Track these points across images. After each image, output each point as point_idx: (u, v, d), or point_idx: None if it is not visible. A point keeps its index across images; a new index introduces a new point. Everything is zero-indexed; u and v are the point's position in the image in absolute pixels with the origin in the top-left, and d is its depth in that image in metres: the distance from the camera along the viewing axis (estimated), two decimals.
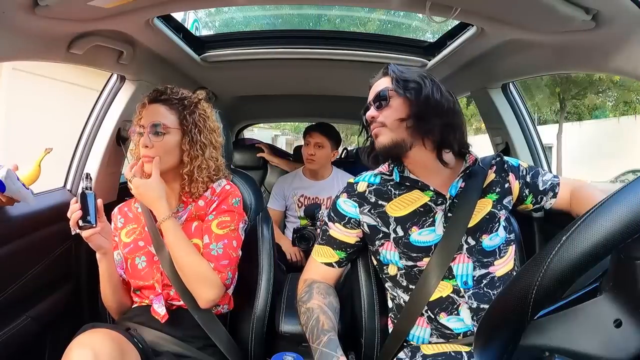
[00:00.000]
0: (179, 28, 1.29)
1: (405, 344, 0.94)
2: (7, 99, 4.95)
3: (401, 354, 0.90)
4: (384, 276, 1.00)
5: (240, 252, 1.02)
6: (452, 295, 0.89)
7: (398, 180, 0.96)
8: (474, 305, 0.88)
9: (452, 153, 0.96)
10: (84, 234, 0.90)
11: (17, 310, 1.10)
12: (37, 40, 0.93)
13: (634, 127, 12.79)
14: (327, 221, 1.03)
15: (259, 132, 12.45)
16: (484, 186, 0.95)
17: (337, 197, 1.02)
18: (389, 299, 1.01)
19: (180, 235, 0.95)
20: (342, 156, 2.55)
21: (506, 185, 0.99)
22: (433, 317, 0.90)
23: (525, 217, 1.26)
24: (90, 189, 0.92)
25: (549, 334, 0.42)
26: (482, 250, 0.91)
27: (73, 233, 0.92)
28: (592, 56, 0.99)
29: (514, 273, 0.94)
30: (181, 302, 0.99)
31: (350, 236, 1.00)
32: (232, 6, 1.12)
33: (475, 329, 0.86)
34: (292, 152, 2.77)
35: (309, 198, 2.01)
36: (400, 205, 0.95)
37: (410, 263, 0.92)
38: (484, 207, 0.94)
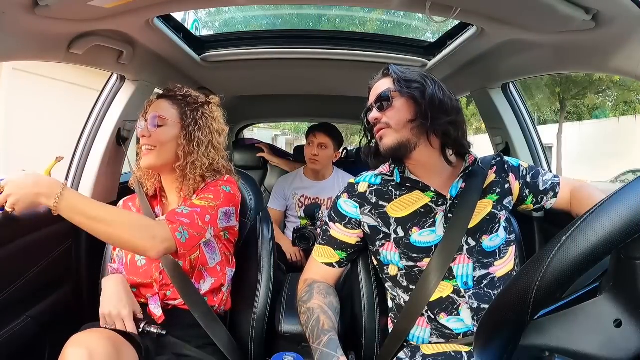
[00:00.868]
0: (179, 28, 1.29)
1: (405, 344, 0.94)
2: (7, 99, 4.95)
3: (401, 354, 0.91)
4: (384, 276, 1.00)
5: (208, 230, 0.93)
6: (452, 295, 0.89)
7: (399, 181, 0.96)
8: (475, 305, 0.88)
9: (453, 153, 0.96)
10: None
11: (17, 310, 1.10)
12: (37, 40, 0.93)
13: (634, 127, 12.79)
14: (328, 221, 1.03)
15: (259, 132, 12.46)
16: (484, 187, 0.95)
17: (338, 197, 1.02)
18: (389, 299, 1.01)
19: (88, 200, 0.86)
20: (343, 156, 2.55)
21: (506, 186, 0.99)
22: (433, 317, 0.90)
23: (526, 217, 1.26)
24: None
25: (549, 334, 0.42)
26: (483, 250, 0.91)
27: None
28: (592, 56, 0.99)
29: (514, 273, 0.94)
30: (177, 302, 0.99)
31: (350, 236, 1.00)
32: (232, 6, 1.12)
33: (475, 329, 0.86)
34: (292, 152, 2.77)
35: (310, 198, 2.01)
36: (401, 206, 0.95)
37: (410, 263, 0.92)
38: (484, 207, 0.94)
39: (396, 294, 0.97)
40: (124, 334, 0.86)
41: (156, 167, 1.03)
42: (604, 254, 0.36)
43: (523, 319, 0.39)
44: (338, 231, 1.00)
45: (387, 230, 0.95)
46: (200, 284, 1.01)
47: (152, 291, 0.98)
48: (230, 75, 1.73)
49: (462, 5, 0.93)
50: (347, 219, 0.99)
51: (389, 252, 0.95)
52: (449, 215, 0.92)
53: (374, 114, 0.93)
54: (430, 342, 0.91)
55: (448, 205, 0.92)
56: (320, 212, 1.83)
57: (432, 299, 0.89)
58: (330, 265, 1.01)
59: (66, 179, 1.39)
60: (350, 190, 1.01)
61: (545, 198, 1.02)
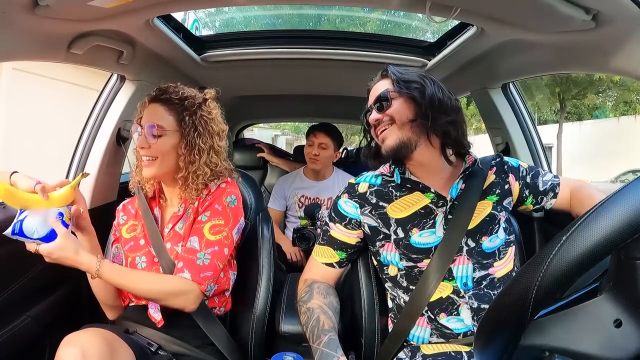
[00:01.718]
0: (179, 28, 1.29)
1: (405, 344, 0.94)
2: (7, 99, 4.95)
3: (401, 354, 0.91)
4: (384, 276, 1.00)
5: (229, 257, 1.01)
6: (452, 295, 0.89)
7: (399, 181, 0.96)
8: (475, 305, 0.88)
9: (453, 153, 0.96)
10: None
11: (17, 310, 1.10)
12: (37, 40, 0.93)
13: (634, 127, 12.79)
14: (328, 221, 1.03)
15: (259, 132, 12.46)
16: (484, 188, 0.95)
17: (338, 197, 1.02)
18: (389, 299, 1.01)
19: (125, 271, 0.93)
20: (343, 156, 2.55)
21: (506, 187, 0.98)
22: (433, 317, 0.90)
23: (525, 217, 1.26)
24: None
25: (549, 334, 0.42)
26: (482, 251, 0.91)
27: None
28: (592, 56, 0.99)
29: (514, 274, 0.94)
30: None
31: (350, 237, 1.00)
32: (232, 6, 1.12)
33: (475, 329, 0.86)
34: (292, 152, 2.77)
35: (310, 198, 2.01)
36: (401, 207, 0.95)
37: (410, 264, 0.92)
38: (484, 209, 0.94)
39: (396, 294, 0.97)
40: (120, 334, 0.86)
41: (159, 177, 1.01)
42: (604, 254, 0.36)
43: (523, 319, 0.39)
44: (338, 231, 1.00)
45: (387, 231, 0.95)
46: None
47: None
48: (230, 75, 1.73)
49: (462, 5, 0.93)
50: (347, 219, 0.99)
51: (389, 253, 0.95)
52: (449, 216, 0.92)
53: (374, 115, 0.93)
54: (430, 342, 0.91)
55: (448, 206, 0.92)
56: (320, 212, 1.83)
57: (432, 299, 0.89)
58: (330, 265, 1.01)
59: (66, 178, 1.39)
60: (351, 190, 1.01)
61: (545, 198, 1.02)
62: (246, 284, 1.10)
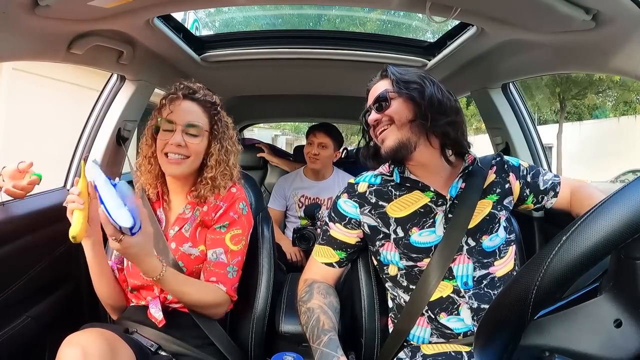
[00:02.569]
0: (179, 28, 1.29)
1: (405, 343, 0.94)
2: (7, 99, 4.95)
3: (401, 354, 0.91)
4: (384, 276, 1.00)
5: None
6: (452, 295, 0.89)
7: (398, 181, 0.96)
8: (475, 305, 0.88)
9: (453, 153, 0.96)
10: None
11: (17, 310, 1.10)
12: (37, 40, 0.93)
13: (634, 127, 12.79)
14: (328, 221, 1.03)
15: (259, 132, 12.46)
16: (485, 187, 0.95)
17: (338, 197, 1.02)
18: (389, 299, 1.01)
19: (181, 279, 0.93)
20: (343, 156, 2.55)
21: (507, 186, 0.98)
22: (433, 317, 0.90)
23: (526, 217, 1.26)
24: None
25: (549, 334, 0.42)
26: (482, 251, 0.91)
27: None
28: (592, 56, 0.99)
29: (514, 273, 0.94)
30: (178, 305, 0.99)
31: (350, 236, 1.00)
32: (232, 6, 1.12)
33: (475, 328, 0.86)
34: (292, 152, 2.77)
35: (310, 198, 2.01)
36: (401, 206, 0.95)
37: (410, 263, 0.92)
38: (484, 208, 0.94)
39: (396, 294, 0.97)
40: (121, 334, 0.86)
41: (183, 176, 1.00)
42: (604, 254, 0.36)
43: (523, 319, 0.39)
44: (338, 231, 1.00)
45: (386, 231, 0.95)
46: None
47: (153, 294, 0.98)
48: (231, 75, 1.73)
49: (462, 5, 0.93)
50: (347, 219, 0.99)
51: (389, 252, 0.95)
52: (449, 215, 0.92)
53: (373, 115, 0.93)
54: (430, 342, 0.91)
55: (448, 205, 0.92)
56: (320, 212, 1.83)
57: (432, 299, 0.89)
58: (330, 265, 1.01)
59: (66, 179, 1.39)
60: (350, 190, 1.01)
61: (545, 198, 1.02)
62: (246, 284, 1.10)
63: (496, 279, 0.91)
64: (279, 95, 2.25)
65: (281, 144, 15.99)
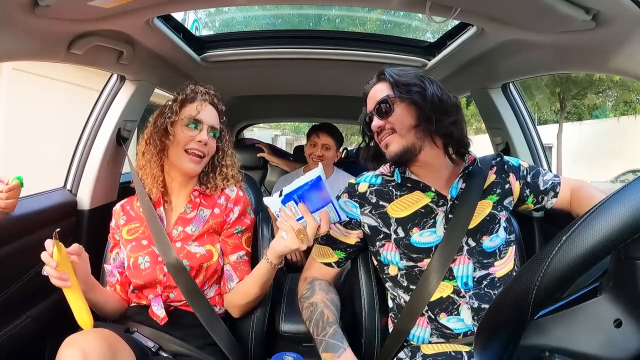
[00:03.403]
0: (179, 28, 1.29)
1: (405, 343, 0.94)
2: (7, 99, 4.95)
3: (401, 354, 0.91)
4: (384, 276, 1.00)
5: None
6: (452, 295, 0.89)
7: (399, 181, 0.96)
8: (475, 305, 0.88)
9: (454, 152, 0.96)
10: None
11: (17, 310, 1.10)
12: (37, 40, 0.93)
13: (634, 127, 12.79)
14: None
15: (259, 132, 12.47)
16: (485, 187, 0.95)
17: (338, 197, 1.02)
18: (389, 298, 1.01)
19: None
20: (343, 156, 2.56)
21: (507, 186, 0.98)
22: (433, 317, 0.90)
23: (526, 217, 1.26)
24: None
25: (549, 334, 0.42)
26: (483, 251, 0.91)
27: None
28: (592, 56, 0.98)
29: (514, 273, 0.94)
30: (180, 303, 0.99)
31: (350, 237, 1.00)
32: (232, 6, 1.12)
33: (475, 328, 0.86)
34: (292, 152, 2.77)
35: None
36: (402, 206, 0.95)
37: (410, 264, 0.92)
38: (484, 208, 0.94)
39: (396, 294, 0.97)
40: (121, 333, 0.86)
41: (192, 175, 1.05)
42: (604, 254, 0.36)
43: (523, 319, 0.39)
44: (338, 231, 1.00)
45: (387, 231, 0.95)
46: (206, 289, 1.01)
47: (155, 292, 0.98)
48: (230, 75, 1.73)
49: (462, 5, 0.93)
50: (348, 219, 0.99)
51: (389, 253, 0.95)
52: (450, 215, 0.92)
53: (376, 122, 0.92)
54: (430, 342, 0.91)
55: (448, 205, 0.92)
56: None
57: (432, 299, 0.89)
58: (328, 265, 1.01)
59: (66, 179, 1.39)
60: (351, 190, 1.01)
61: (545, 198, 1.02)
62: None
63: (496, 279, 0.91)
64: (279, 95, 2.25)
65: (281, 144, 16.00)
